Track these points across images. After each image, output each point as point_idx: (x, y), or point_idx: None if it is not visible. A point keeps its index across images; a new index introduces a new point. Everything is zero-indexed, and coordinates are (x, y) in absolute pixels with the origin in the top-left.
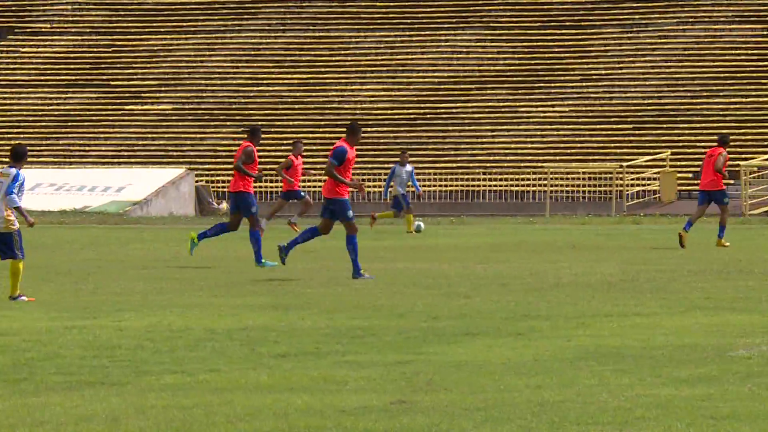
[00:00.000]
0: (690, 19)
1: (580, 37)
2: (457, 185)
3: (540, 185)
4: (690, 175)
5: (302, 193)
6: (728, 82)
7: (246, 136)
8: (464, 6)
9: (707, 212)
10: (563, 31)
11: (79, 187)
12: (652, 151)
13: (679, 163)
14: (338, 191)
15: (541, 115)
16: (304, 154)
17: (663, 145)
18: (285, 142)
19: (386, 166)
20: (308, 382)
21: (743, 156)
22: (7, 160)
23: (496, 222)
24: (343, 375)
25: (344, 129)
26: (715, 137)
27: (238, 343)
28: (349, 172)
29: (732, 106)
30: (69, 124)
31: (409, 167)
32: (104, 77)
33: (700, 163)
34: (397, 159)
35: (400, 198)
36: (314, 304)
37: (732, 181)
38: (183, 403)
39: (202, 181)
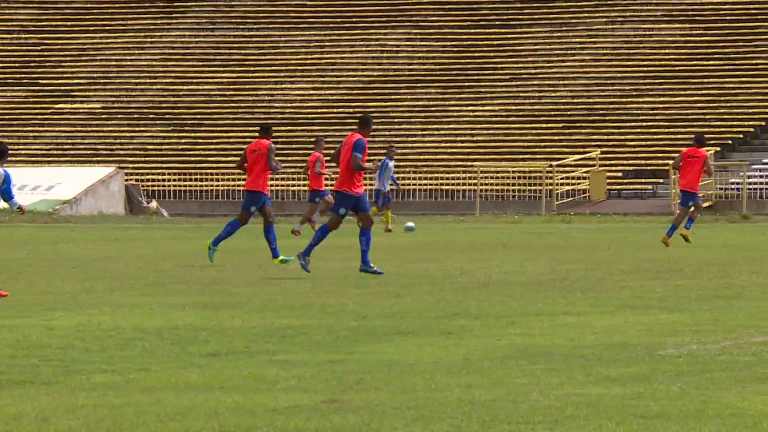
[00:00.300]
0: (619, 19)
1: (509, 35)
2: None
3: (470, 184)
4: (620, 174)
5: (326, 192)
6: (657, 81)
7: (259, 133)
8: (394, 4)
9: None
10: (493, 30)
11: None
12: (581, 150)
13: (608, 162)
14: (350, 187)
15: (471, 114)
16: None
17: (592, 144)
18: (214, 141)
19: None
20: (239, 381)
21: (672, 155)
22: None
23: (426, 221)
24: (274, 374)
25: (275, 127)
26: (646, 136)
27: (169, 342)
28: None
29: (661, 105)
30: None
31: (392, 163)
32: (33, 76)
33: (631, 161)
34: (384, 153)
35: (381, 193)
36: (244, 303)
37: (660, 180)
38: (113, 402)
39: (131, 179)
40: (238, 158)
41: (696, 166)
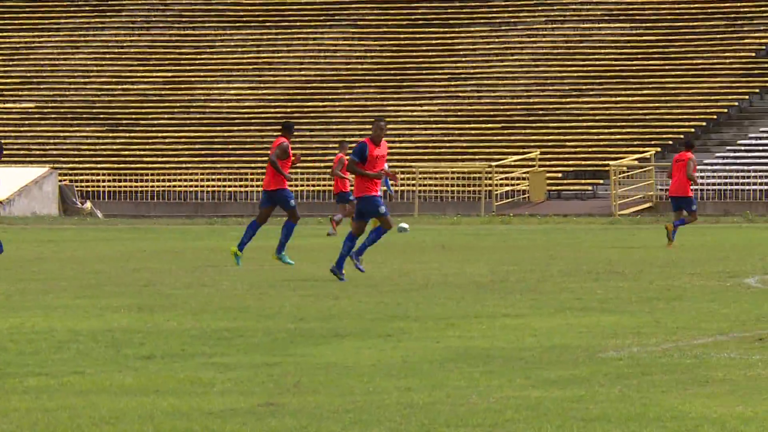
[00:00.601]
0: (559, 18)
1: (448, 35)
2: (325, 185)
3: (409, 185)
4: (560, 174)
5: (351, 196)
6: (597, 81)
7: (280, 131)
8: (331, 3)
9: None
10: (431, 29)
11: None
12: (521, 150)
13: (548, 163)
14: (368, 188)
15: (410, 114)
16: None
17: (532, 144)
18: (149, 140)
19: (253, 166)
20: (174, 384)
21: (612, 156)
22: None
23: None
24: (210, 377)
25: (212, 127)
26: (586, 137)
27: (103, 345)
28: (376, 168)
29: (601, 106)
30: None
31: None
32: None
33: (571, 162)
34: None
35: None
36: (180, 305)
37: (600, 181)
38: (47, 405)
39: (65, 180)
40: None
41: (682, 170)
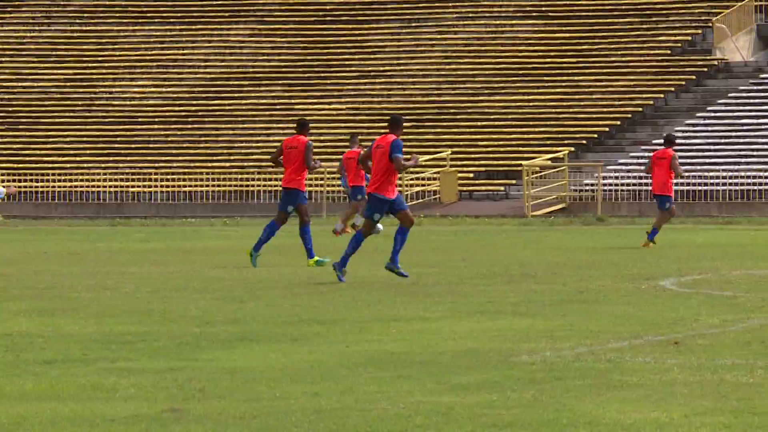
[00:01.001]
0: (470, 15)
1: (357, 31)
2: (230, 185)
3: (316, 185)
4: (471, 174)
5: (360, 196)
6: (510, 79)
7: (296, 129)
8: None
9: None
10: (340, 26)
11: None
12: (431, 150)
13: (459, 163)
14: (385, 191)
15: (318, 112)
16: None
17: (443, 144)
18: (50, 139)
19: (157, 166)
20: (76, 389)
21: (525, 155)
22: None
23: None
24: (113, 382)
25: (115, 126)
26: (498, 136)
27: (2, 350)
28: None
29: (514, 104)
30: None
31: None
32: None
33: (482, 162)
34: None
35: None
36: (82, 309)
37: (513, 181)
38: None
39: None
40: (274, 150)
41: (664, 167)
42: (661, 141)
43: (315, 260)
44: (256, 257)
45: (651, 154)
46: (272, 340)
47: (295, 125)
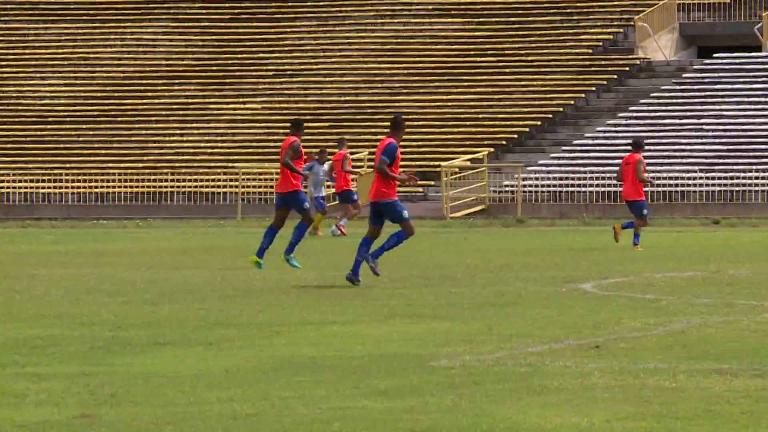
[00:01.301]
0: (389, 13)
1: (273, 29)
2: (143, 186)
3: (231, 186)
4: None
5: (356, 197)
6: (428, 78)
7: (290, 129)
8: None
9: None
10: (256, 23)
11: None
12: (349, 150)
13: None
14: (387, 192)
15: (233, 112)
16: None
17: (361, 144)
18: None
19: (68, 166)
20: None
21: (444, 156)
22: None
23: (185, 225)
24: (23, 387)
25: (25, 125)
26: (416, 137)
27: None
28: (398, 169)
29: (432, 104)
30: None
31: (326, 166)
32: None
33: (400, 163)
34: (316, 157)
35: (314, 202)
36: None
37: (432, 183)
38: None
39: None
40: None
41: (630, 172)
42: (582, 141)
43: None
44: (292, 258)
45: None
46: (186, 344)
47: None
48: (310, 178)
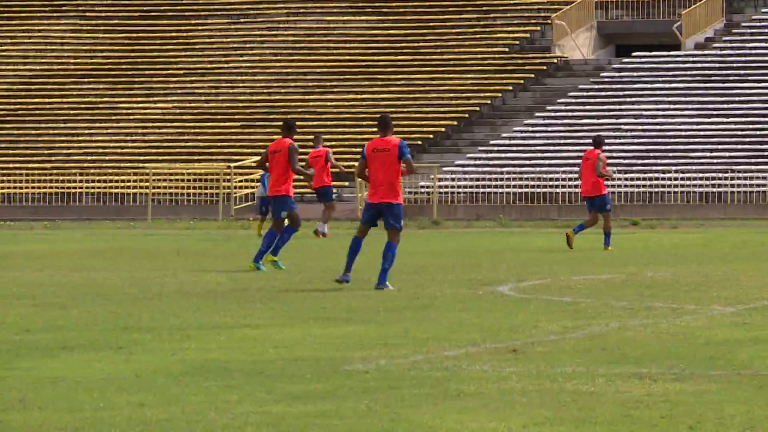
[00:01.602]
0: (301, 10)
1: (183, 27)
2: (51, 187)
3: (141, 187)
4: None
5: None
6: (342, 77)
7: (282, 131)
8: None
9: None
10: (166, 21)
11: None
12: (261, 151)
13: None
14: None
15: (143, 111)
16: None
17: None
18: None
19: None
20: None
21: (359, 157)
22: None
23: (94, 227)
24: None
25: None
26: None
27: None
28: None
29: (346, 103)
30: None
31: None
32: None
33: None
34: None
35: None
36: None
37: (346, 183)
38: None
39: None
40: (259, 157)
41: (589, 168)
42: (499, 142)
43: (272, 259)
44: (278, 262)
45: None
46: (95, 348)
47: (280, 126)
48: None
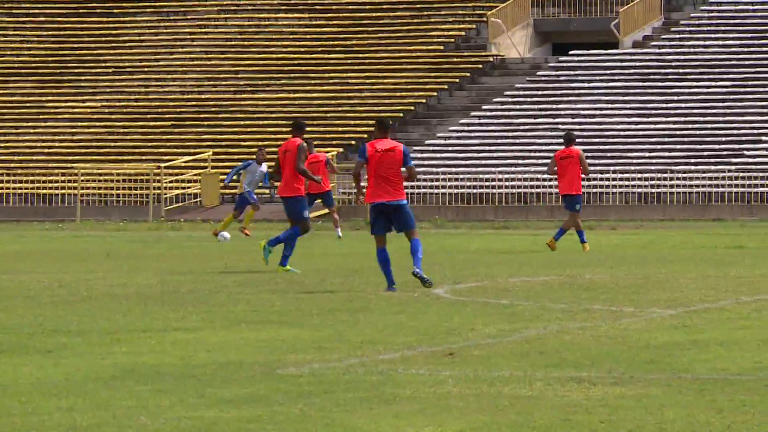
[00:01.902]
0: (232, 7)
1: (112, 25)
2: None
3: (70, 188)
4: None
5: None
6: (275, 75)
7: (293, 131)
8: None
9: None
10: (94, 18)
11: None
12: (192, 150)
13: (221, 164)
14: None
15: (71, 110)
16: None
17: (204, 144)
18: None
19: None
20: None
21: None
22: None
23: (21, 228)
24: None
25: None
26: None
27: None
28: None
29: (279, 102)
30: None
31: (264, 167)
32: None
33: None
34: (253, 156)
35: (246, 196)
36: None
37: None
38: None
39: None
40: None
41: (571, 166)
42: (435, 141)
43: (265, 249)
44: (289, 268)
45: (555, 155)
46: (22, 351)
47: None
48: (245, 176)
